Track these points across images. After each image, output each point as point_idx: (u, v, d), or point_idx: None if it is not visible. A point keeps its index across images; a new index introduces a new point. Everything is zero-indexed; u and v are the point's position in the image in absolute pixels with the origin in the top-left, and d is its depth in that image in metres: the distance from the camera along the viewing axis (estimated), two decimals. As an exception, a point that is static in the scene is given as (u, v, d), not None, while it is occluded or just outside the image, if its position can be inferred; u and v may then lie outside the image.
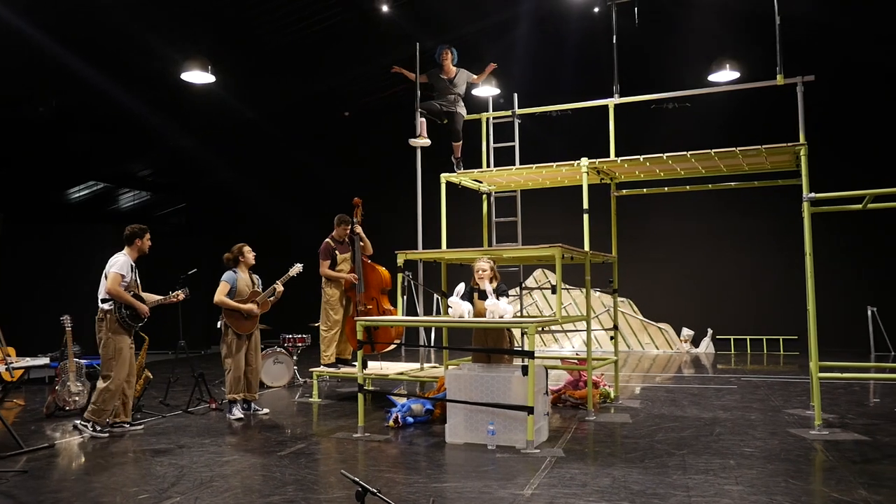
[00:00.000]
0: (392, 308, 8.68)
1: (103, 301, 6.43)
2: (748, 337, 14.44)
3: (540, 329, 13.89)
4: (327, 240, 8.69)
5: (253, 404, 7.52)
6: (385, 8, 11.42)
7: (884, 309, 13.52)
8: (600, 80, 13.43)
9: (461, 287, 6.59)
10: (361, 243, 8.56)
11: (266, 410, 7.59)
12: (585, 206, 7.30)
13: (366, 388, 6.80)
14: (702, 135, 10.27)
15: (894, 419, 6.97)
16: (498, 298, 6.43)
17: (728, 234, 14.79)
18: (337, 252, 8.62)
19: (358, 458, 5.62)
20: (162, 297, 6.81)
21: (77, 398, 7.56)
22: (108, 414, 6.50)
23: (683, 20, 12.29)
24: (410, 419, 6.86)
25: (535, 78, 12.77)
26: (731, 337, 14.51)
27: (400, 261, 7.26)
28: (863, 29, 11.80)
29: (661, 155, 7.02)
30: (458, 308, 6.50)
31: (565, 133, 13.49)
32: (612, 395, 8.20)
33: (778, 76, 7.42)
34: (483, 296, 6.64)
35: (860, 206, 7.13)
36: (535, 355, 5.70)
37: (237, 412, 7.26)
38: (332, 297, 8.58)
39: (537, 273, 15.59)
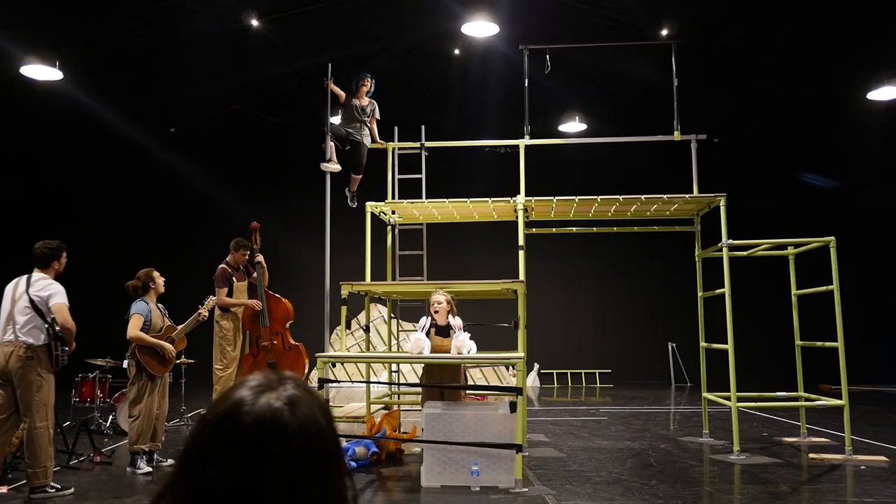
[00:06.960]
0: (296, 343, 8.02)
1: (49, 334, 5.20)
2: (568, 371, 15.46)
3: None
4: (223, 265, 7.78)
5: (156, 455, 6.47)
6: (255, 22, 10.75)
7: (681, 344, 15.24)
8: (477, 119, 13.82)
9: (425, 321, 6.33)
10: (262, 268, 7.84)
11: (171, 461, 6.57)
12: (521, 242, 7.41)
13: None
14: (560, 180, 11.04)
15: (770, 441, 7.88)
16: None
17: (549, 272, 15.76)
18: (235, 279, 7.77)
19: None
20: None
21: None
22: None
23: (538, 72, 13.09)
24: (354, 464, 6.36)
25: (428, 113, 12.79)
26: (554, 371, 15.42)
27: (344, 292, 6.76)
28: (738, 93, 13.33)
29: (594, 197, 7.37)
30: (419, 343, 6.20)
31: (455, 171, 13.50)
32: (519, 429, 8.30)
33: (675, 132, 8.21)
34: (440, 331, 6.43)
35: (746, 253, 8.12)
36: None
37: (144, 465, 6.18)
38: (228, 330, 7.67)
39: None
